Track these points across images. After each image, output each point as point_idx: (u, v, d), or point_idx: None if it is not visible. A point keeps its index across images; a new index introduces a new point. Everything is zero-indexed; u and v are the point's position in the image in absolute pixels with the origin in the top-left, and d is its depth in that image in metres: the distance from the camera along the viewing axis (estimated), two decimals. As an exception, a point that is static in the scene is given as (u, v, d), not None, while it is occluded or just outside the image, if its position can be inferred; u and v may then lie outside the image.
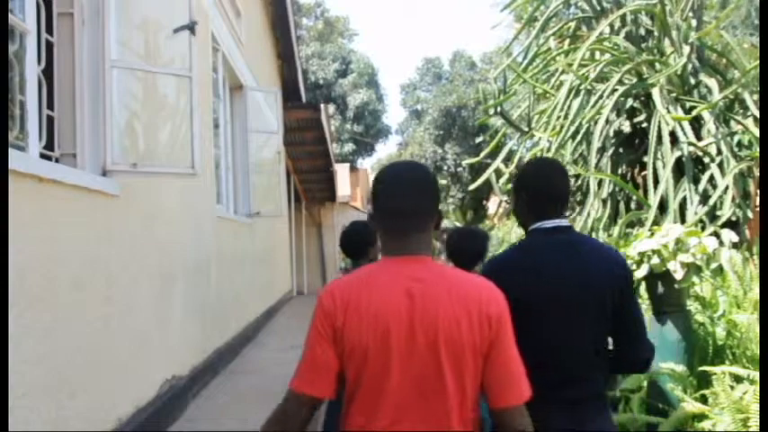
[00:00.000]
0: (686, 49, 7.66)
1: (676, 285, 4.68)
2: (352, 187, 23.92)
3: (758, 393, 3.98)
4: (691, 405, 4.37)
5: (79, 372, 2.30)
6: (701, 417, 4.28)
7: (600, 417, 2.07)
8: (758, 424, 3.88)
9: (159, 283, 3.32)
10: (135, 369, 2.89)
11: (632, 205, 7.92)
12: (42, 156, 2.29)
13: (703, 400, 4.47)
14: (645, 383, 4.92)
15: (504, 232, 14.57)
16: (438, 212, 1.65)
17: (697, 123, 7.44)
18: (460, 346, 1.48)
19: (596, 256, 2.13)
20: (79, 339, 2.31)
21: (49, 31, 2.55)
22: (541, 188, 2.13)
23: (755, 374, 4.32)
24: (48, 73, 2.46)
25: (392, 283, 1.51)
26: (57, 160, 2.51)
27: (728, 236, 5.87)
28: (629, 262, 4.82)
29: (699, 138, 7.31)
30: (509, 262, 2.15)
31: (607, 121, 7.83)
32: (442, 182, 27.68)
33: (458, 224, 27.19)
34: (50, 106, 2.49)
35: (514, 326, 1.67)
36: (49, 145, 2.44)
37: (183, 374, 3.58)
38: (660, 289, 4.80)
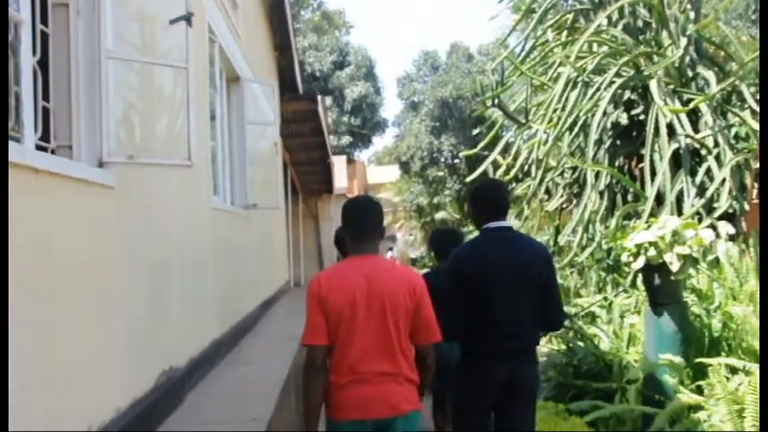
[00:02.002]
0: (684, 41, 7.65)
1: (672, 277, 4.70)
2: (350, 179, 23.89)
3: (756, 385, 4.00)
4: (687, 396, 4.40)
5: (76, 363, 2.30)
6: (697, 407, 4.31)
7: (530, 366, 3.05)
8: (754, 415, 3.91)
9: (156, 274, 3.32)
10: (132, 360, 2.89)
11: (629, 197, 7.94)
12: (38, 147, 2.27)
13: (699, 391, 4.50)
14: (642, 375, 4.95)
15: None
16: (381, 229, 2.67)
17: (694, 116, 7.45)
18: (398, 308, 2.48)
19: (527, 247, 3.12)
20: (76, 331, 2.31)
21: (44, 21, 2.54)
22: (489, 200, 3.12)
23: (751, 366, 4.35)
24: (43, 64, 2.44)
25: (355, 271, 2.52)
26: (53, 152, 2.49)
27: (725, 228, 5.89)
28: (626, 254, 4.87)
29: (696, 130, 7.32)
30: (466, 252, 3.14)
31: (604, 113, 7.83)
32: (439, 173, 27.65)
33: (455, 215, 27.21)
34: (46, 97, 2.48)
35: (469, 298, 2.92)
36: (45, 136, 2.43)
37: (180, 366, 3.58)
38: (656, 281, 4.82)
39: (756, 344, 4.71)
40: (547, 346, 8.04)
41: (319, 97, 10.11)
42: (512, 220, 12.63)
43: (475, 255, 3.05)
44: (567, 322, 7.35)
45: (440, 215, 27.46)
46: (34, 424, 1.95)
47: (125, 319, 2.82)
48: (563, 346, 6.60)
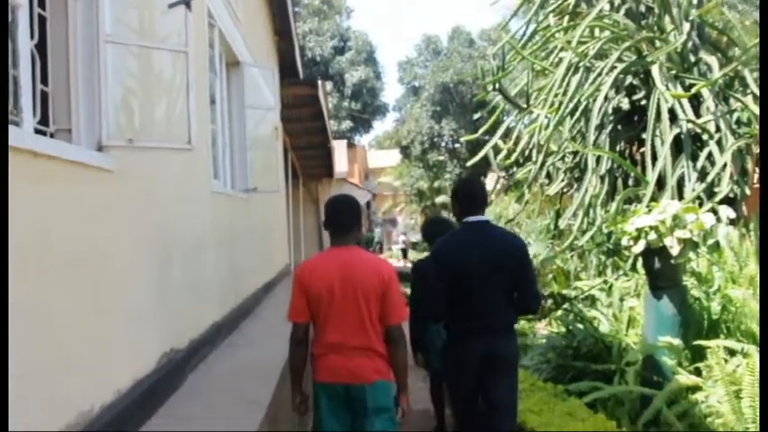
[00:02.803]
0: (686, 26, 7.61)
1: (673, 261, 4.71)
2: (350, 164, 23.89)
3: (753, 367, 4.03)
4: (685, 377, 4.43)
5: (77, 346, 2.32)
6: (695, 389, 4.34)
7: (508, 342, 3.38)
8: (751, 396, 3.94)
9: (157, 257, 3.34)
10: (133, 342, 2.92)
11: (630, 182, 7.94)
12: (37, 131, 2.28)
13: (697, 372, 4.53)
14: (640, 357, 4.98)
15: (502, 208, 14.59)
16: (359, 222, 3.10)
17: (696, 101, 7.42)
18: (368, 292, 2.87)
19: (503, 238, 3.49)
20: (77, 314, 2.33)
21: (42, 5, 2.53)
22: (468, 197, 3.48)
23: (749, 348, 4.37)
24: (41, 48, 2.44)
25: (333, 260, 2.95)
26: (51, 136, 2.50)
27: (726, 212, 5.90)
28: (626, 238, 4.88)
29: (698, 115, 7.30)
30: (447, 243, 3.50)
31: (606, 99, 7.81)
32: (440, 158, 27.64)
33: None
34: (44, 81, 2.48)
35: (450, 283, 3.31)
36: (44, 120, 2.43)
37: (181, 348, 3.61)
38: (657, 264, 4.84)
39: (754, 326, 4.74)
40: (547, 328, 8.08)
41: (320, 82, 10.07)
42: (512, 205, 12.70)
43: (454, 245, 3.45)
44: (566, 305, 7.39)
45: (440, 199, 27.49)
46: (36, 406, 1.98)
47: (126, 300, 2.84)
48: (563, 329, 6.63)
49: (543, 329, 8.14)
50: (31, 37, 2.24)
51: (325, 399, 2.95)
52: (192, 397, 3.36)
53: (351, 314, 2.88)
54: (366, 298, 2.87)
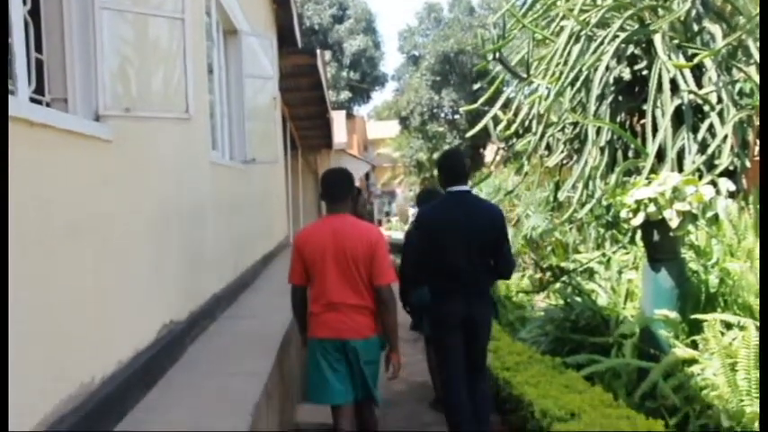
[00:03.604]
0: (690, -7, 7.49)
1: (671, 233, 4.71)
2: (349, 134, 23.79)
3: (749, 340, 4.05)
4: (681, 351, 4.47)
5: (77, 317, 2.32)
6: (691, 361, 4.38)
7: (484, 306, 3.65)
8: (746, 368, 3.97)
9: (155, 228, 3.32)
10: (133, 314, 2.92)
11: (630, 154, 7.91)
12: (32, 100, 2.24)
13: (694, 345, 4.56)
14: (637, 330, 5.01)
15: (501, 180, 14.57)
16: (351, 192, 3.46)
17: (698, 71, 7.35)
18: (357, 256, 3.18)
19: (483, 208, 3.71)
20: (76, 285, 2.32)
21: (35, -30, 2.47)
22: (450, 168, 3.71)
23: (745, 321, 4.40)
24: (34, 14, 2.39)
25: (326, 227, 3.29)
26: (47, 105, 2.46)
27: (725, 185, 5.88)
28: (625, 210, 4.88)
29: (699, 86, 7.23)
30: (431, 210, 3.77)
31: (607, 68, 7.73)
32: (439, 129, 27.50)
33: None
34: (39, 49, 2.43)
35: (432, 248, 3.60)
36: (39, 89, 2.39)
37: (181, 319, 3.62)
38: (655, 237, 4.84)
39: (752, 299, 4.76)
40: (545, 301, 8.12)
41: (318, 51, 9.95)
42: (511, 177, 12.68)
43: (437, 214, 3.70)
44: (565, 278, 7.42)
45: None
46: (37, 377, 1.98)
47: (125, 272, 2.83)
48: (561, 302, 6.66)
49: (541, 302, 8.19)
50: (24, 2, 2.19)
51: (321, 353, 3.26)
52: (192, 368, 3.38)
53: (343, 276, 3.20)
54: (356, 261, 3.19)
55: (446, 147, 27.40)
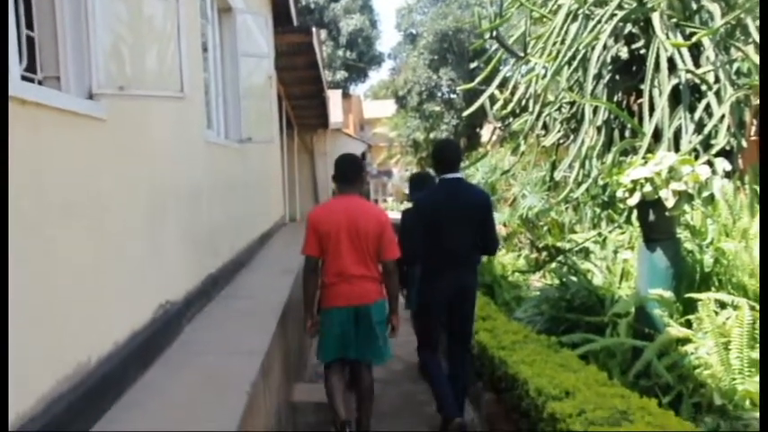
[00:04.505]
0: (689, -29, 7.42)
1: (667, 213, 4.71)
2: (345, 114, 23.65)
3: (743, 319, 4.08)
4: (676, 330, 4.50)
5: (74, 297, 2.31)
6: (685, 341, 4.41)
7: (472, 276, 4.22)
8: (739, 347, 4.00)
9: (151, 208, 3.31)
10: (130, 294, 2.92)
11: (627, 133, 7.87)
12: (24, 78, 2.22)
13: (688, 324, 4.59)
14: (629, 309, 5.04)
15: (498, 159, 14.55)
16: (361, 176, 3.94)
17: (696, 50, 7.30)
18: (367, 232, 3.66)
19: (472, 193, 4.23)
20: (73, 265, 2.31)
21: (26, -55, 2.43)
22: (444, 157, 4.17)
23: (739, 300, 4.42)
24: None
25: (339, 206, 3.74)
26: (40, 83, 2.43)
27: (722, 165, 5.87)
28: (621, 190, 4.88)
29: (697, 65, 7.18)
30: (428, 196, 4.24)
31: (605, 47, 7.67)
32: (436, 108, 27.36)
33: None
34: (30, 26, 2.40)
35: (428, 230, 3.99)
36: (31, 67, 2.36)
37: (177, 299, 3.62)
38: (651, 217, 4.84)
39: (746, 279, 4.78)
40: (541, 280, 8.15)
41: (314, 29, 9.86)
42: (508, 156, 12.67)
43: (432, 199, 4.15)
44: (560, 257, 7.44)
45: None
46: (34, 358, 1.98)
47: (121, 251, 2.83)
48: (556, 281, 6.69)
49: (537, 282, 8.22)
50: (14, -21, 2.16)
51: (335, 321, 3.70)
52: (189, 348, 3.39)
53: (354, 250, 3.67)
54: (366, 237, 3.66)
55: (443, 126, 27.34)
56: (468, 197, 4.12)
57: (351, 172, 3.84)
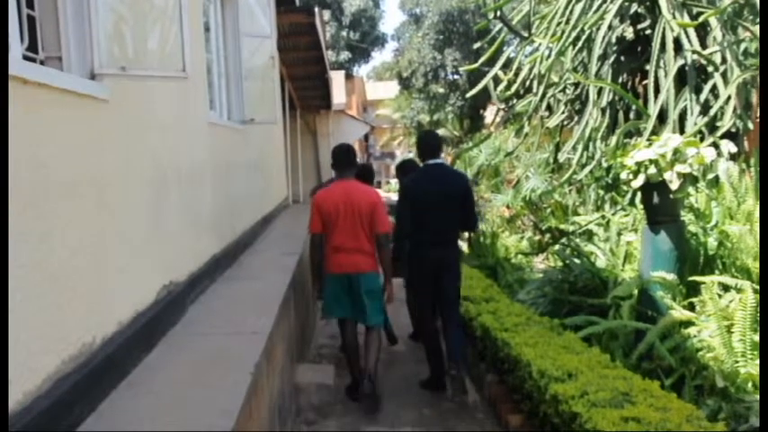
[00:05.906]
0: (697, -51, 7.32)
1: (671, 196, 4.70)
2: (348, 95, 23.52)
3: (746, 302, 4.07)
4: (678, 312, 4.50)
5: (77, 277, 2.32)
6: (688, 323, 4.41)
7: (454, 251, 4.84)
8: (741, 330, 4.00)
9: (154, 188, 3.30)
10: (133, 275, 2.92)
11: (631, 115, 7.83)
12: (25, 58, 2.20)
13: (691, 307, 4.59)
14: (631, 291, 5.04)
15: (501, 141, 14.49)
16: (355, 162, 4.74)
17: (703, 30, 7.22)
18: (362, 211, 4.44)
19: (454, 176, 4.87)
20: (75, 245, 2.31)
21: None
22: (427, 145, 4.83)
23: (743, 283, 4.42)
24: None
25: (339, 189, 4.53)
26: (41, 63, 2.41)
27: (727, 147, 5.83)
28: (626, 172, 4.85)
29: (704, 46, 7.11)
30: (415, 181, 4.77)
31: (610, 28, 7.61)
32: (440, 90, 27.19)
33: (455, 132, 26.99)
34: (30, 5, 2.38)
35: (415, 211, 4.61)
36: (32, 47, 2.34)
37: (180, 280, 3.62)
38: (655, 199, 4.83)
39: (750, 262, 4.77)
40: (544, 263, 8.14)
41: (317, 10, 9.77)
42: (511, 138, 12.63)
43: (417, 182, 4.75)
44: (564, 239, 7.42)
45: (440, 132, 27.23)
46: (38, 338, 1.99)
47: (124, 232, 2.82)
48: (560, 263, 6.68)
49: (540, 264, 8.22)
50: (15, -43, 2.13)
51: (333, 285, 4.53)
52: (193, 329, 3.40)
53: (351, 226, 4.42)
54: (360, 214, 4.42)
55: (448, 108, 27.19)
56: (449, 180, 4.72)
57: (345, 160, 4.62)
